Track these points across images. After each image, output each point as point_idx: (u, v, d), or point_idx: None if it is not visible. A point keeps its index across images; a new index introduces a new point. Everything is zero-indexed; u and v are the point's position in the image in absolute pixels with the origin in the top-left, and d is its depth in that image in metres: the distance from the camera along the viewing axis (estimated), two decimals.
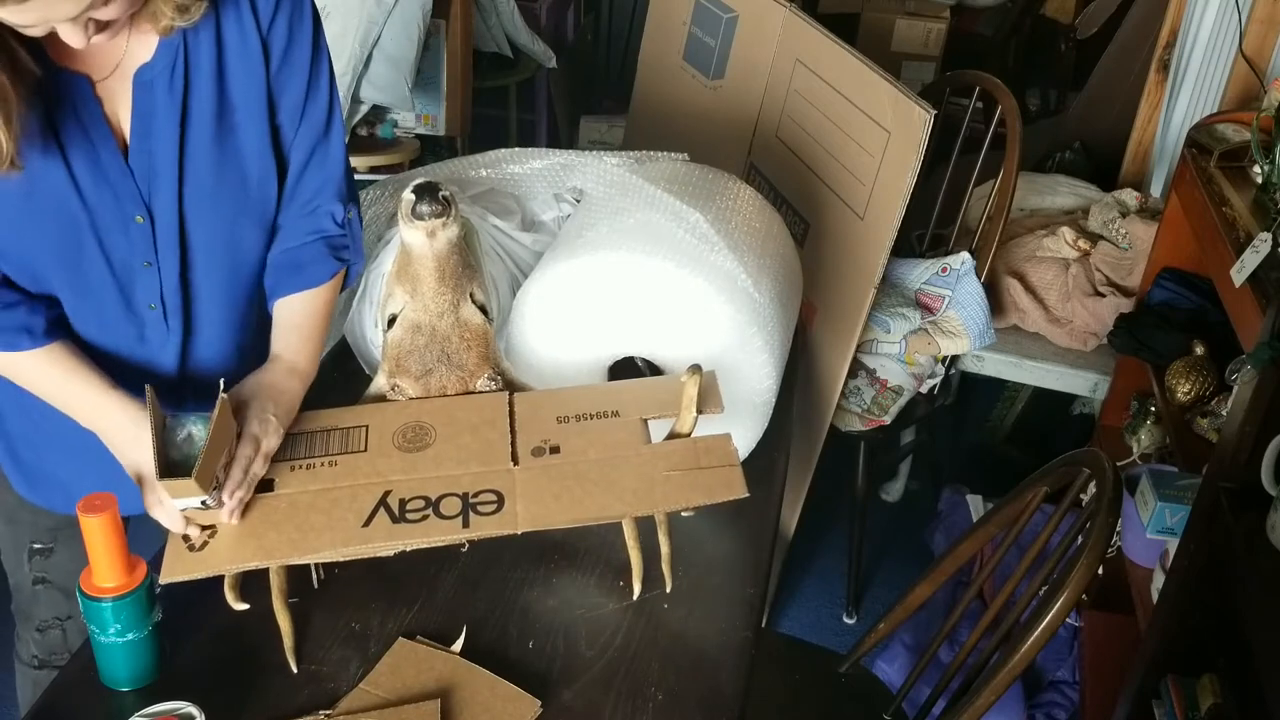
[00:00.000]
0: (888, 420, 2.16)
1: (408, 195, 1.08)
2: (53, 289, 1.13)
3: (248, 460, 1.05)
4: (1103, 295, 2.21)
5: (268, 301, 1.24)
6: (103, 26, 0.98)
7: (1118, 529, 1.89)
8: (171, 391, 1.21)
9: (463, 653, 1.08)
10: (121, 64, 1.08)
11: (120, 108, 1.09)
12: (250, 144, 1.16)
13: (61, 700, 1.04)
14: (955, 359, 2.27)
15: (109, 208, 1.10)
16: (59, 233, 1.09)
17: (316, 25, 1.18)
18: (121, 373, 1.16)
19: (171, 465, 1.02)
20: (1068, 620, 2.00)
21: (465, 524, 1.03)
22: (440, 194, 1.08)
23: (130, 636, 1.00)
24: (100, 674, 1.03)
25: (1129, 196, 2.32)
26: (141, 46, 1.08)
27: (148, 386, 1.05)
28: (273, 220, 1.22)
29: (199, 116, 1.12)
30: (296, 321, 1.22)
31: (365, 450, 1.10)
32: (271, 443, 1.08)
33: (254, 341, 1.27)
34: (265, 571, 1.03)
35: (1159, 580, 1.75)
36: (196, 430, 1.03)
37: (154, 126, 1.09)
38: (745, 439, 1.37)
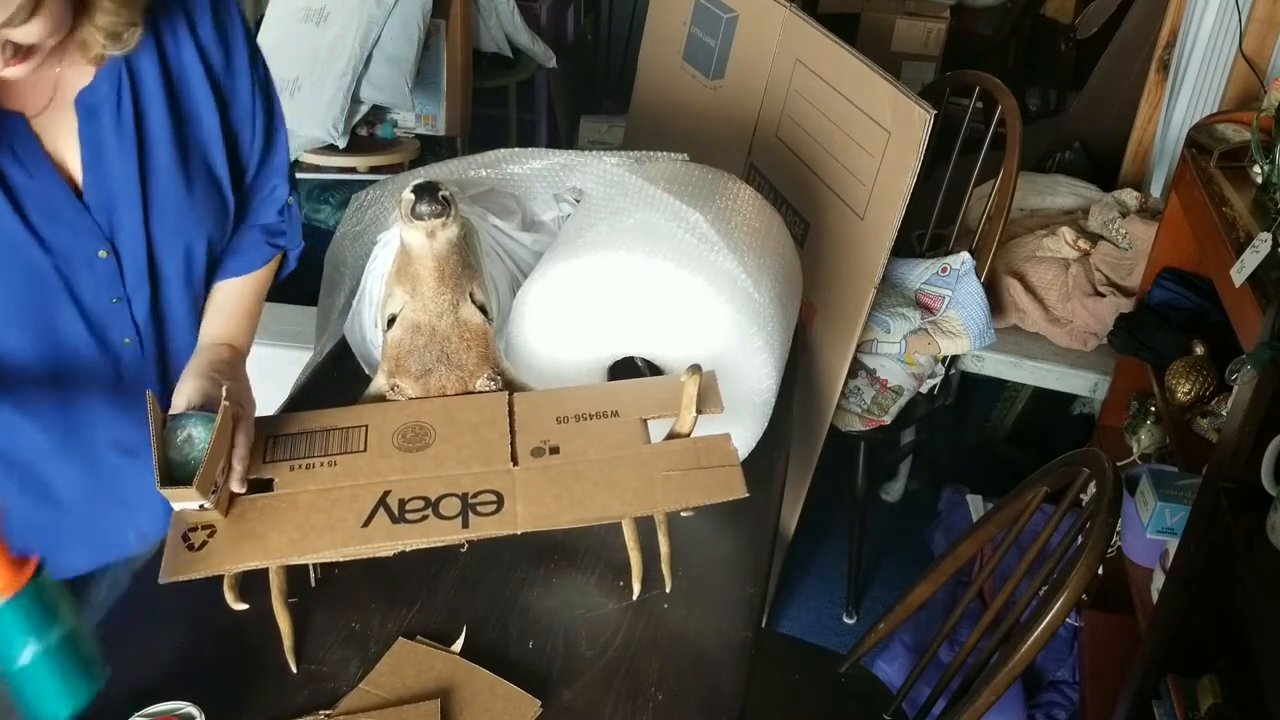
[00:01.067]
0: (888, 420, 2.16)
1: (407, 195, 1.08)
2: (15, 347, 1.08)
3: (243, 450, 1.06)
4: (1103, 295, 2.21)
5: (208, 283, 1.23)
6: (22, 55, 0.94)
7: (1118, 529, 1.89)
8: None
9: (463, 653, 1.08)
10: (57, 95, 1.03)
11: (64, 142, 1.05)
12: (214, 156, 1.14)
13: None
14: (955, 359, 2.27)
15: (68, 246, 1.06)
16: (23, 283, 1.05)
17: (245, 22, 1.16)
18: (101, 414, 1.15)
19: (171, 466, 1.02)
20: (1068, 620, 2.00)
21: (465, 524, 1.03)
22: (440, 194, 1.08)
23: (31, 651, 0.85)
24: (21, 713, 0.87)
25: (1129, 196, 2.32)
26: (77, 75, 1.04)
27: (148, 392, 1.05)
28: (232, 222, 1.21)
29: (157, 139, 1.09)
30: (236, 304, 1.23)
31: (365, 450, 1.10)
32: (250, 429, 1.08)
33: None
34: (264, 572, 1.03)
35: (1159, 580, 1.75)
36: (196, 432, 1.03)
37: (105, 155, 1.06)
38: (745, 439, 1.37)
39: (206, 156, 1.14)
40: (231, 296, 1.24)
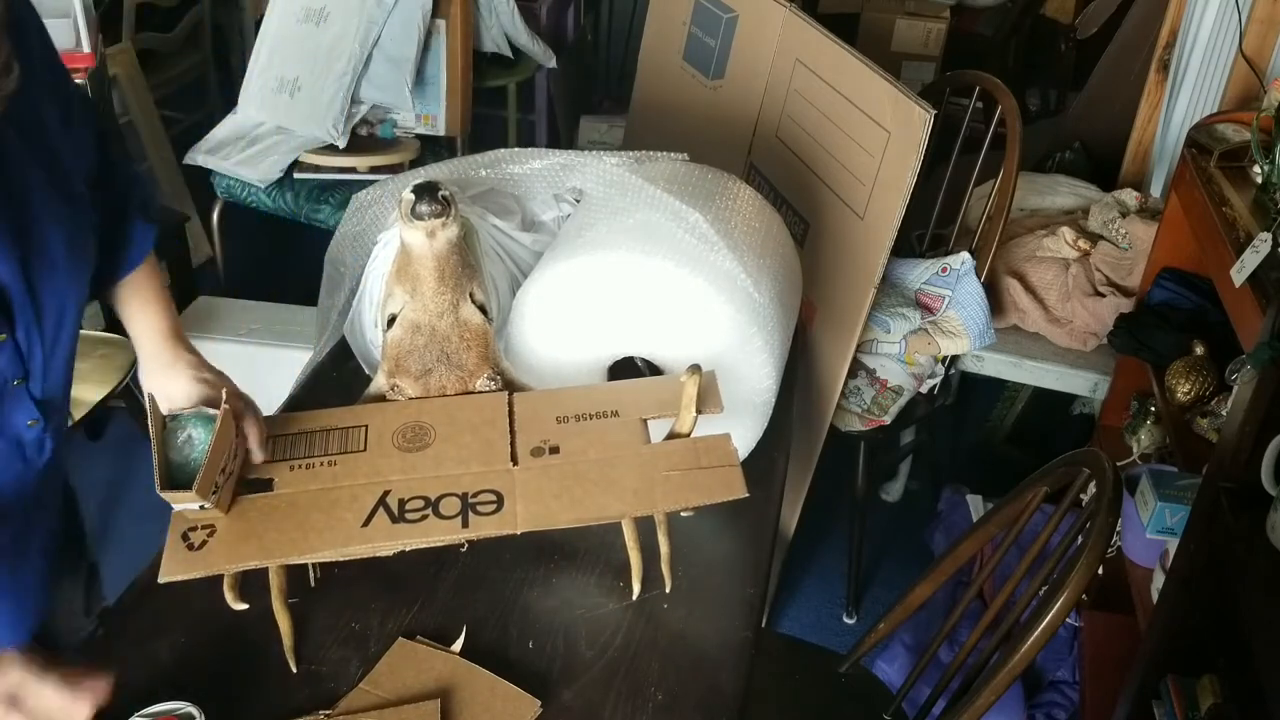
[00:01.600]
0: (888, 420, 2.16)
1: (407, 195, 1.08)
2: None
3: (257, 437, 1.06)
4: (1103, 295, 2.21)
5: (102, 290, 1.15)
6: None
7: (1118, 529, 1.89)
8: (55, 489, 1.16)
9: (463, 653, 1.08)
10: None
11: None
12: (80, 184, 1.04)
13: None
14: (955, 359, 2.27)
15: None
16: None
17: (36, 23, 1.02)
18: (5, 505, 1.08)
19: (172, 467, 1.02)
20: (1068, 620, 2.00)
21: (465, 524, 1.03)
22: (440, 194, 1.08)
23: None
24: None
25: (1129, 196, 2.32)
26: None
27: (149, 393, 1.05)
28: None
29: (38, 204, 0.98)
30: (153, 292, 1.19)
31: (365, 450, 1.10)
32: (258, 419, 1.08)
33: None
34: (264, 571, 1.03)
35: (1159, 580, 1.75)
36: (196, 432, 1.03)
37: None
38: (745, 439, 1.37)
39: (72, 188, 1.03)
40: (145, 288, 1.18)
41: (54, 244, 1.00)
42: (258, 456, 1.07)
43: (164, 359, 1.16)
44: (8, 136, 0.95)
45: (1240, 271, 1.54)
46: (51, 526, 1.20)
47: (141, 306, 1.19)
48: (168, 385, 1.12)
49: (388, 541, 1.02)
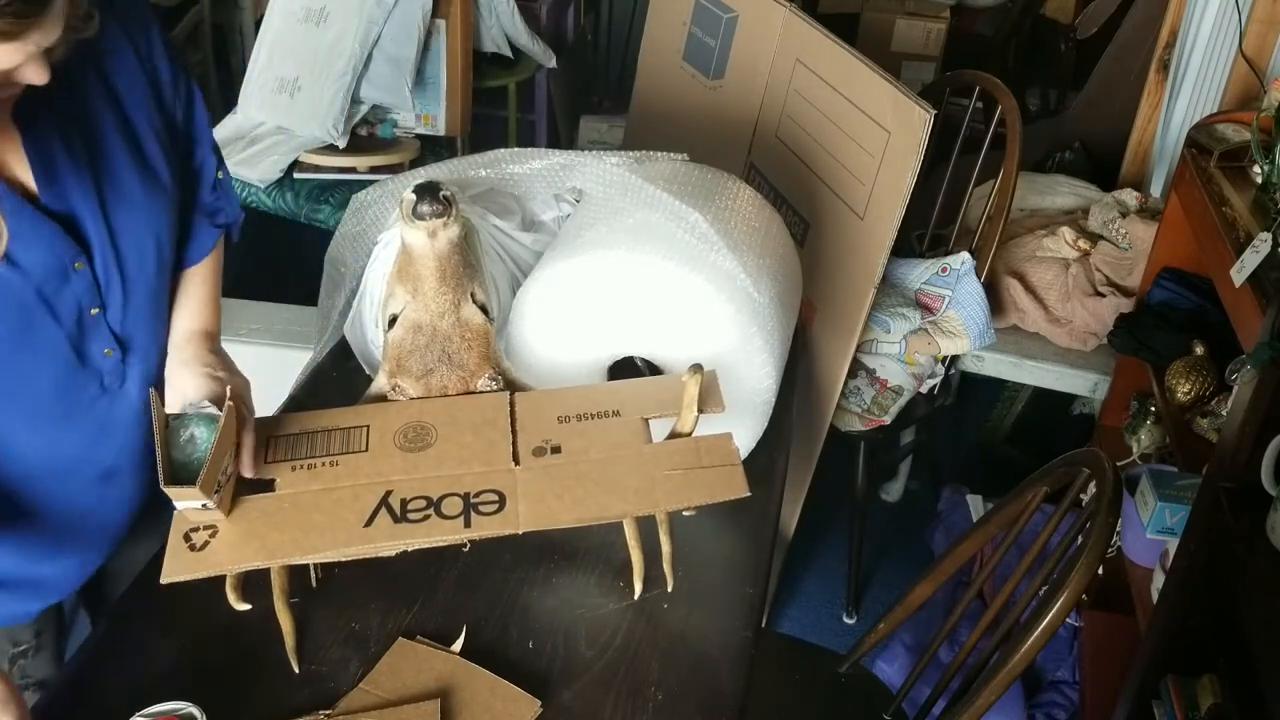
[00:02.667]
0: (888, 420, 2.16)
1: (408, 195, 1.08)
2: None
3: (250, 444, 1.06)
4: (1103, 295, 2.21)
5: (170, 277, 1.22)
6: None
7: (1118, 529, 1.89)
8: (138, 424, 1.19)
9: (463, 653, 1.08)
10: None
11: (9, 157, 1.00)
12: (150, 145, 1.11)
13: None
14: (955, 359, 2.27)
15: (43, 263, 1.02)
16: (3, 314, 1.02)
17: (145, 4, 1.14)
18: (89, 436, 1.13)
19: (174, 466, 1.02)
20: (1068, 620, 2.00)
21: (467, 524, 1.03)
22: (441, 194, 1.08)
23: None
24: None
25: (1129, 196, 2.32)
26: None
27: (151, 390, 1.05)
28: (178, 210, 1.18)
29: (103, 135, 1.06)
30: (199, 292, 1.24)
31: (366, 450, 1.10)
32: (252, 429, 1.08)
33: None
34: (265, 572, 1.03)
35: (1159, 580, 1.76)
36: (199, 431, 1.04)
37: (56, 162, 1.02)
38: (745, 439, 1.37)
39: (144, 146, 1.11)
40: (193, 286, 1.24)
41: (128, 183, 1.08)
42: (247, 470, 1.06)
43: (184, 355, 1.17)
44: (89, 79, 1.04)
45: (1240, 271, 1.54)
46: (137, 477, 1.22)
47: (184, 302, 1.23)
48: (178, 378, 1.14)
49: (390, 542, 1.03)
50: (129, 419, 1.18)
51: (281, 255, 3.21)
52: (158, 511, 1.32)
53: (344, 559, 1.03)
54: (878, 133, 1.73)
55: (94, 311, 1.09)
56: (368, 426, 1.13)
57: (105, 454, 1.18)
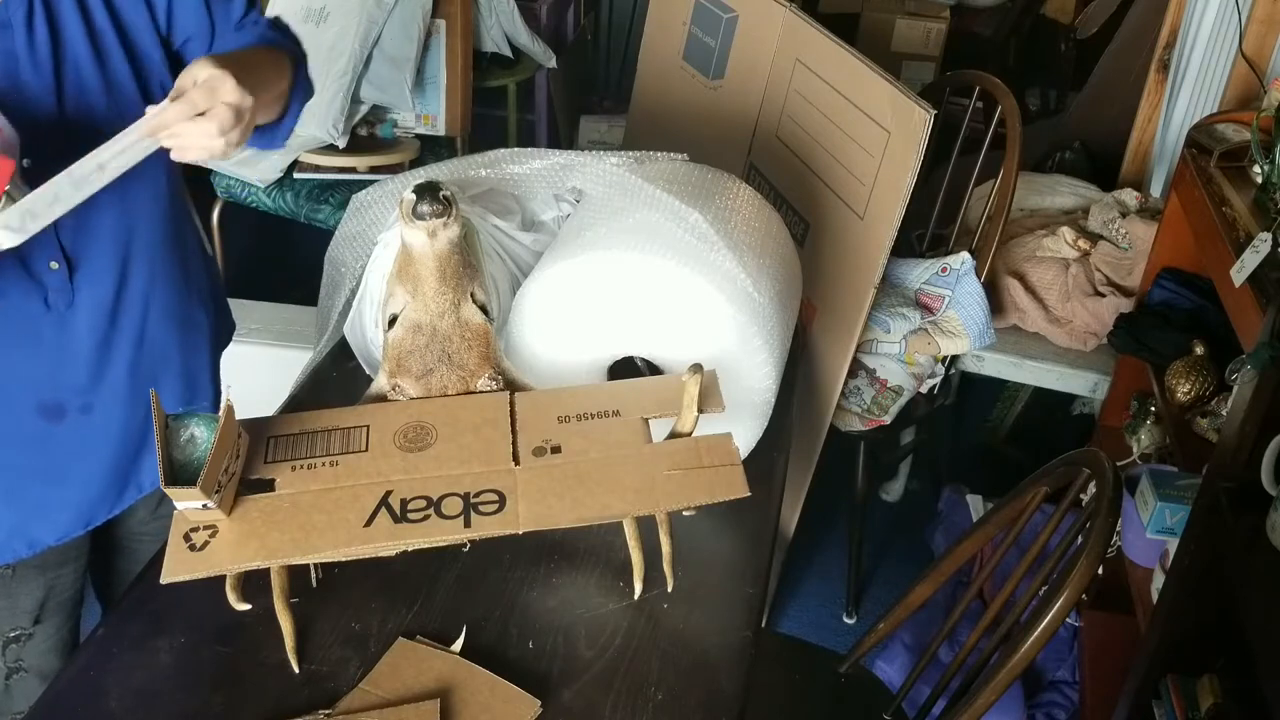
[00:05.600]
0: (888, 420, 2.16)
1: (408, 195, 1.08)
2: None
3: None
4: (1103, 295, 2.21)
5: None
6: None
7: (1118, 529, 1.89)
8: (87, 362, 1.15)
9: (462, 653, 1.08)
10: None
11: None
12: (141, 38, 1.07)
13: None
14: (955, 359, 2.27)
15: None
16: None
17: None
18: (28, 357, 1.09)
19: (175, 466, 1.02)
20: (1068, 620, 2.00)
21: (467, 524, 1.03)
22: (441, 194, 1.08)
23: None
24: None
25: (1129, 196, 2.33)
26: None
27: (151, 391, 1.05)
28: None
29: (74, 50, 1.02)
30: (244, 51, 1.14)
31: (366, 450, 1.10)
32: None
33: (172, 297, 1.22)
34: (265, 572, 1.03)
35: (1159, 580, 1.76)
36: (199, 431, 1.04)
37: (19, 68, 1.00)
38: (745, 439, 1.37)
39: (134, 44, 1.06)
40: (247, 50, 1.14)
41: (93, 81, 1.03)
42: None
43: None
44: None
45: (1240, 271, 1.54)
46: (91, 426, 1.19)
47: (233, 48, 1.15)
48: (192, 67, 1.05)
49: (390, 542, 1.02)
50: (77, 351, 1.13)
51: (281, 255, 3.21)
52: (139, 484, 1.31)
53: (344, 559, 1.03)
54: (878, 133, 1.73)
55: None
56: (368, 426, 1.13)
57: (45, 385, 1.13)
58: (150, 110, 0.99)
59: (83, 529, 1.27)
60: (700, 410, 1.12)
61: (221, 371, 1.44)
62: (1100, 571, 1.91)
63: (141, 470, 1.29)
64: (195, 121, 0.98)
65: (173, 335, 1.27)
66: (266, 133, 1.21)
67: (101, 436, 1.23)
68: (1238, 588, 1.34)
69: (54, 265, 1.08)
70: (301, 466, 1.09)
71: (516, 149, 1.46)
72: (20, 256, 1.04)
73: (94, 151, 0.97)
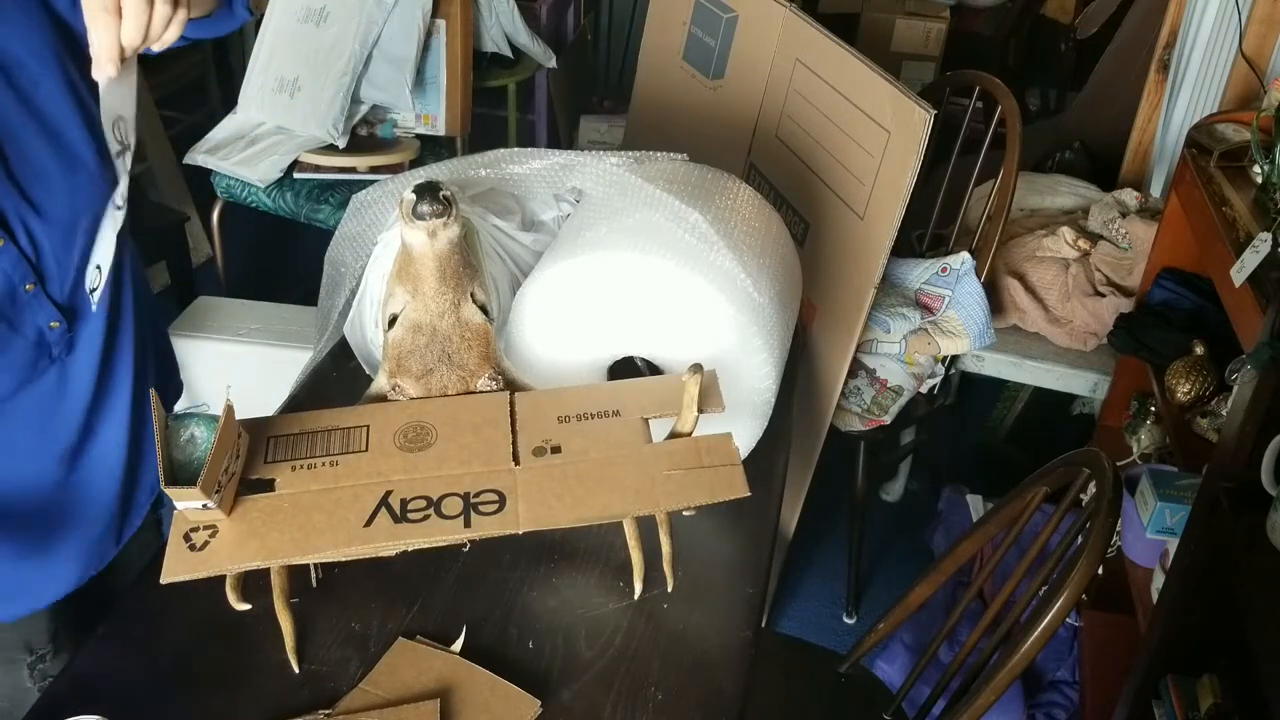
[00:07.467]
0: (888, 420, 2.16)
1: (408, 195, 1.08)
2: None
3: None
4: (1103, 295, 2.21)
5: None
6: None
7: (1118, 529, 1.89)
8: (91, 405, 1.17)
9: (462, 653, 1.08)
10: None
11: None
12: (70, 118, 1.05)
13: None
14: (955, 359, 2.27)
15: None
16: None
17: None
18: (43, 415, 1.12)
19: (175, 466, 1.02)
20: (1068, 620, 2.00)
21: (467, 524, 1.03)
22: (441, 194, 1.08)
23: None
24: None
25: (1129, 196, 2.33)
26: None
27: (151, 390, 1.05)
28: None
29: (11, 120, 1.00)
30: None
31: (366, 450, 1.10)
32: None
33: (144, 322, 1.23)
34: (265, 572, 1.03)
35: (1159, 580, 1.76)
36: (199, 431, 1.04)
37: None
38: (745, 439, 1.37)
39: (55, 122, 1.03)
40: None
41: (41, 160, 1.02)
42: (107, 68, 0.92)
43: None
44: None
45: (1240, 271, 1.54)
46: (104, 467, 1.21)
47: None
48: None
49: (390, 542, 1.02)
50: (81, 391, 1.16)
51: (281, 255, 3.22)
52: (140, 520, 1.32)
53: (344, 559, 1.03)
54: (878, 133, 1.73)
55: (29, 287, 1.06)
56: (368, 426, 1.13)
57: (62, 430, 1.16)
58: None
59: (86, 578, 1.27)
60: (700, 410, 1.12)
61: (222, 372, 1.44)
62: (1100, 571, 1.91)
63: (129, 520, 1.31)
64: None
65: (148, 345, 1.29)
66: (222, 16, 1.17)
67: (106, 475, 1.24)
68: (1238, 588, 1.34)
69: (54, 325, 1.11)
70: (301, 466, 1.09)
71: (516, 149, 1.45)
72: (13, 323, 1.06)
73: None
